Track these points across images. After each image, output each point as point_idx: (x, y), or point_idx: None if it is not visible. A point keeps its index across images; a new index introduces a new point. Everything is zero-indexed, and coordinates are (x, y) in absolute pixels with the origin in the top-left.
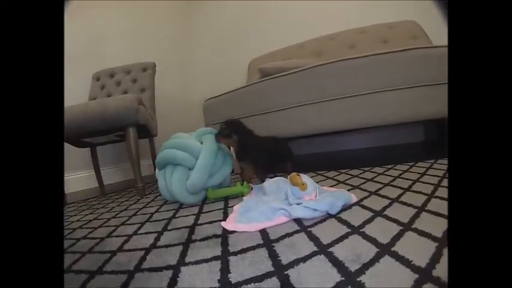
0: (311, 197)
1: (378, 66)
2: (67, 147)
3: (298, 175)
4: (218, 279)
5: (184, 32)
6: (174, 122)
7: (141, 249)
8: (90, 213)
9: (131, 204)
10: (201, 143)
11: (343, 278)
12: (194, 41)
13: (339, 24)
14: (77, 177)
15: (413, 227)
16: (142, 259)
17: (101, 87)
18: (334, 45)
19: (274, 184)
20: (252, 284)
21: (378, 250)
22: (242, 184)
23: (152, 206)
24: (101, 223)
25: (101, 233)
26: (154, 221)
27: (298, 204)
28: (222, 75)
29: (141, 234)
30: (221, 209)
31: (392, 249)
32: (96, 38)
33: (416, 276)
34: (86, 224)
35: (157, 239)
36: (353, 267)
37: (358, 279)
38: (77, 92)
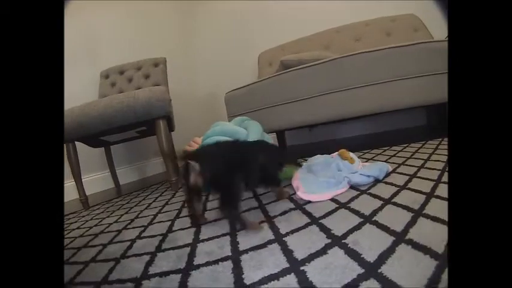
0: (358, 168)
1: (392, 57)
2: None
3: (347, 151)
4: (326, 236)
5: (187, 29)
6: (180, 117)
7: (223, 235)
8: (126, 213)
9: (170, 199)
10: None
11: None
12: (197, 37)
13: (341, 18)
14: (91, 179)
15: (435, 194)
16: (235, 243)
17: (111, 84)
18: (341, 37)
19: (323, 161)
20: (355, 232)
21: (412, 214)
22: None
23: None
24: (150, 220)
25: (158, 229)
26: (212, 209)
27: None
28: (225, 71)
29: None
30: (268, 192)
31: (424, 212)
32: (95, 38)
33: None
34: (129, 223)
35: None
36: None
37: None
38: (74, 92)
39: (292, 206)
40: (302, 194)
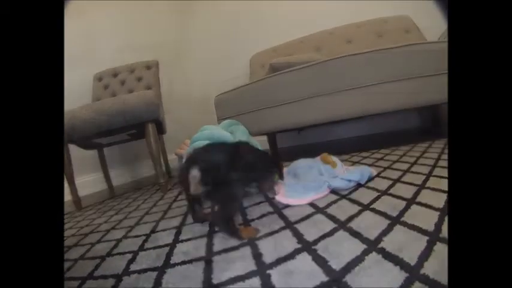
0: (340, 172)
1: (380, 60)
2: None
3: (329, 155)
4: (297, 241)
5: (183, 30)
6: (175, 119)
7: (201, 237)
8: (115, 214)
9: (158, 201)
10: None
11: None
12: (193, 39)
13: (334, 20)
14: (84, 181)
15: (417, 200)
16: (210, 245)
17: (104, 87)
18: (332, 39)
19: (306, 165)
20: (327, 238)
21: (389, 222)
22: None
23: (183, 200)
24: (137, 221)
25: (143, 230)
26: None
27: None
28: (221, 73)
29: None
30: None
31: (402, 219)
32: (90, 38)
33: (427, 238)
34: (117, 224)
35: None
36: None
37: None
38: (68, 94)
39: (271, 209)
40: (281, 198)
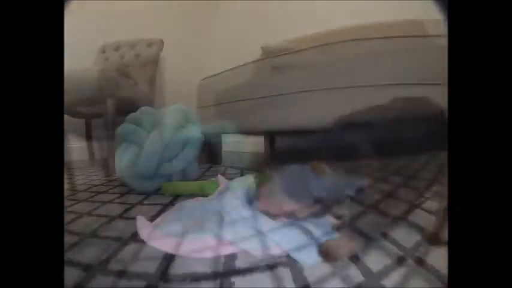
0: (329, 182)
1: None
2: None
3: (319, 163)
4: (263, 253)
5: (189, 29)
6: None
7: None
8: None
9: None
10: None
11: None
12: (197, 38)
13: (339, 21)
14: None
15: (405, 217)
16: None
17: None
18: (335, 40)
19: (293, 173)
20: (296, 252)
21: (368, 242)
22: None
23: None
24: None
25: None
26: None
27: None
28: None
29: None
30: None
31: (383, 241)
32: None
33: (407, 265)
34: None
35: None
36: None
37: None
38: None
39: (246, 215)
40: (260, 205)
